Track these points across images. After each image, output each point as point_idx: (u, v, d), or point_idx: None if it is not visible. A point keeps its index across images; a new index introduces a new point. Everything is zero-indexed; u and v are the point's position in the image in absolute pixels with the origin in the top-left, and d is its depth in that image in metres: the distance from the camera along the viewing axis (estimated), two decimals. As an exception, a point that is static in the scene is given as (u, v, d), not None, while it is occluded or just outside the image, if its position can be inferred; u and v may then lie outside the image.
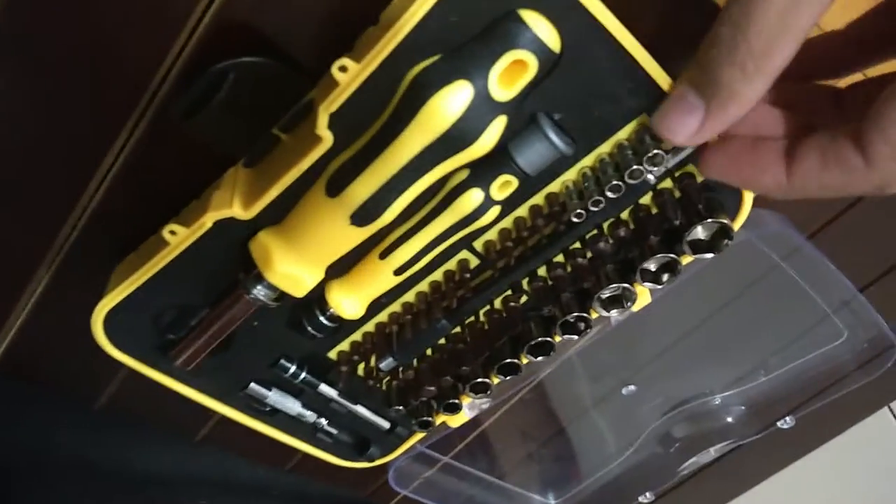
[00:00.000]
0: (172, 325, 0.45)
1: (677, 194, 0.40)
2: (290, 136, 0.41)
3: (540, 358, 0.45)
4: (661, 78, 0.36)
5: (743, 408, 0.60)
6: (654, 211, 0.41)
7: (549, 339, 0.44)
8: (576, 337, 0.44)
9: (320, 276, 0.41)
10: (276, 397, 0.48)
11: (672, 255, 0.40)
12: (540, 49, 0.34)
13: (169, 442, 0.61)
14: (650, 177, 0.38)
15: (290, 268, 0.39)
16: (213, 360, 0.46)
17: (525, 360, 0.46)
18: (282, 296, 0.41)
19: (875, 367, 0.54)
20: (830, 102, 0.37)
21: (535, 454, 0.66)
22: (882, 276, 0.54)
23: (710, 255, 0.41)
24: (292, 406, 0.49)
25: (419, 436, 0.52)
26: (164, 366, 0.46)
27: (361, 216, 0.38)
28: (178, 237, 0.40)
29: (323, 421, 0.50)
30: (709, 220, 0.39)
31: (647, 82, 0.36)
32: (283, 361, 0.47)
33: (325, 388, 0.48)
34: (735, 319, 0.56)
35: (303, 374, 0.47)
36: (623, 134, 0.38)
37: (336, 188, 0.37)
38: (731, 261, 0.46)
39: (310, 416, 0.49)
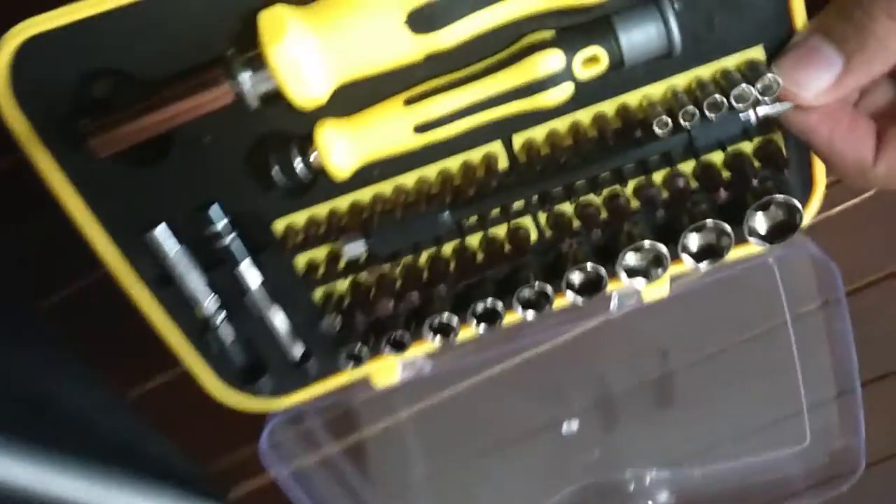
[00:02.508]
0: (97, 103, 0.33)
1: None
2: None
3: (529, 314, 0.37)
4: (799, 10, 0.32)
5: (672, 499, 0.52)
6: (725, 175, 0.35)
7: (546, 291, 0.36)
8: (577, 299, 0.36)
9: (329, 88, 0.32)
10: (180, 258, 0.36)
11: (725, 226, 0.34)
12: None
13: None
14: (752, 114, 0.33)
15: (303, 55, 0.30)
16: (128, 166, 0.34)
17: (507, 315, 0.37)
18: (269, 98, 0.31)
19: (828, 488, 0.48)
20: None
21: (432, 483, 0.54)
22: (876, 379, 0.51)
23: (764, 245, 0.35)
24: (194, 279, 0.37)
25: (327, 384, 0.41)
26: (60, 146, 0.33)
27: (423, 17, 0.30)
28: (174, -32, 0.30)
29: (221, 315, 0.38)
30: (782, 199, 0.34)
31: (783, 6, 0.32)
32: (215, 207, 0.36)
33: (247, 269, 0.37)
34: (704, 374, 0.50)
35: (230, 237, 0.36)
36: (730, 62, 0.33)
37: (409, -31, 0.29)
38: (735, 288, 0.40)
39: (210, 303, 0.38)
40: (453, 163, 0.35)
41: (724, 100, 0.31)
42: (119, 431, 0.51)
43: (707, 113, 0.32)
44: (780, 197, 0.33)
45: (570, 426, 0.51)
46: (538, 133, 0.35)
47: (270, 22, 0.30)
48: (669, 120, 0.32)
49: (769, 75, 0.31)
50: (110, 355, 0.38)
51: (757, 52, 0.33)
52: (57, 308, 0.47)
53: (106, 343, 0.38)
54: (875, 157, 0.32)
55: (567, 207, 0.36)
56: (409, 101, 0.33)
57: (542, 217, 0.37)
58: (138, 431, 0.51)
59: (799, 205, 0.34)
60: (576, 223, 0.36)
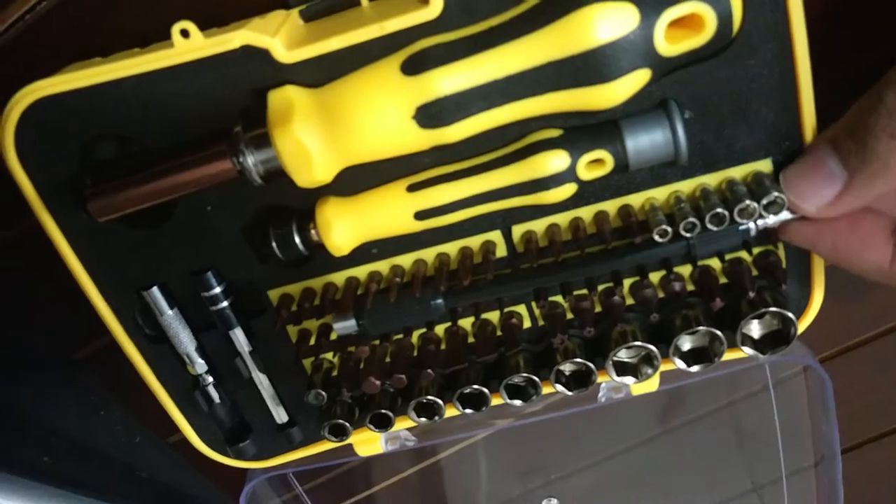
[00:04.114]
0: (101, 166, 0.33)
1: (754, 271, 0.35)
2: (377, 2, 0.33)
3: (515, 402, 0.37)
4: (809, 122, 0.32)
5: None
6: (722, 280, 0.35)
7: (535, 380, 0.36)
8: (566, 392, 0.36)
9: (333, 173, 0.32)
10: (172, 319, 0.36)
11: (718, 333, 0.34)
12: (723, 17, 0.29)
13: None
14: (753, 225, 0.33)
15: (309, 140, 0.30)
16: (128, 228, 0.34)
17: (494, 400, 0.37)
18: (272, 176, 0.31)
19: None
20: None
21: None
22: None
23: (756, 354, 0.35)
24: (185, 340, 0.37)
25: (312, 449, 0.41)
26: (61, 206, 0.34)
27: (430, 114, 0.30)
28: (189, 44, 0.30)
29: (210, 378, 0.38)
30: (778, 312, 0.33)
31: (792, 119, 0.32)
32: (209, 275, 0.36)
33: (239, 335, 0.37)
34: (683, 444, 0.50)
35: (224, 304, 0.36)
36: (736, 173, 0.33)
37: (417, 66, 0.29)
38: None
39: (200, 364, 0.37)
40: (451, 248, 0.35)
41: (727, 214, 0.31)
42: (162, 474, 0.51)
43: (709, 225, 0.32)
44: (775, 310, 0.33)
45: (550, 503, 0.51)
46: (538, 226, 0.35)
47: (279, 103, 0.31)
48: (669, 229, 0.32)
49: (775, 193, 0.31)
50: (149, 399, 0.39)
51: (764, 166, 0.33)
52: (95, 356, 0.48)
53: (143, 388, 0.39)
54: (893, 258, 0.31)
55: (562, 300, 0.36)
56: (411, 188, 0.33)
57: (536, 309, 0.37)
58: (179, 473, 0.51)
59: (794, 318, 0.33)
60: (569, 315, 0.36)
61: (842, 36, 0.38)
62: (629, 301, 0.36)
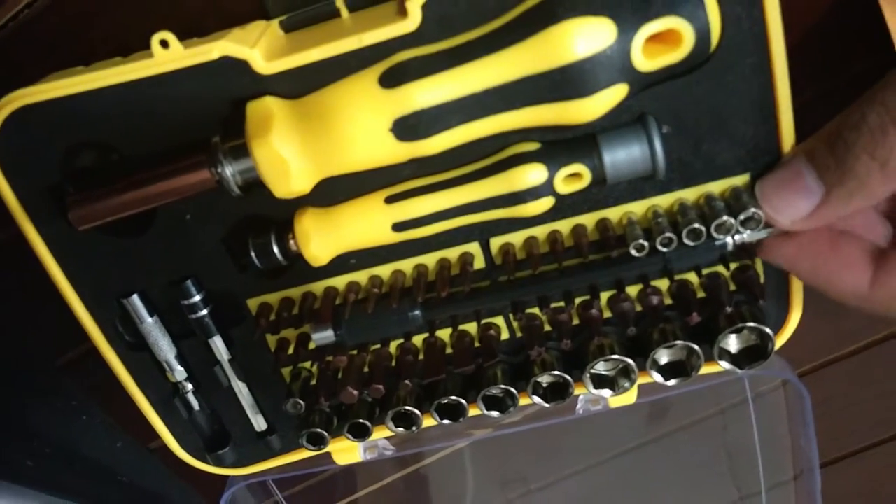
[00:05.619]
0: (81, 174, 0.33)
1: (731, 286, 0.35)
2: (357, 14, 0.33)
3: (493, 413, 0.37)
4: (788, 137, 0.32)
5: None
6: (700, 295, 0.35)
7: (512, 392, 0.36)
8: (543, 404, 0.36)
9: (311, 184, 0.32)
10: (152, 327, 0.36)
11: (695, 347, 0.34)
12: (701, 32, 0.29)
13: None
14: (730, 240, 0.33)
15: (287, 151, 0.30)
16: (108, 236, 0.34)
17: (472, 411, 0.37)
18: (251, 186, 0.32)
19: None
20: None
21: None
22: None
23: (733, 369, 0.35)
24: (165, 347, 0.37)
25: (291, 457, 0.41)
26: (42, 217, 0.34)
27: (408, 126, 0.30)
28: (168, 54, 0.30)
29: (189, 386, 0.38)
30: (755, 327, 0.33)
31: (770, 134, 0.32)
32: (188, 283, 0.36)
33: (218, 344, 0.37)
34: (665, 456, 0.50)
35: (203, 312, 0.36)
36: (714, 188, 0.33)
37: (395, 79, 0.30)
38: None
39: (179, 371, 0.37)
40: (430, 259, 0.35)
41: (704, 229, 0.31)
42: (143, 479, 0.51)
43: (685, 240, 0.32)
44: (753, 325, 0.33)
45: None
46: (516, 238, 0.35)
47: (258, 114, 0.31)
48: (646, 243, 0.32)
49: (752, 209, 0.31)
50: (129, 405, 0.39)
51: (743, 181, 0.33)
52: (77, 362, 0.48)
53: (124, 394, 0.39)
54: (871, 283, 0.30)
55: (539, 312, 0.36)
56: (389, 199, 0.33)
57: (514, 321, 0.37)
58: (160, 479, 0.51)
59: (771, 333, 0.33)
60: (547, 327, 0.36)
61: (821, 51, 0.38)
62: (607, 314, 0.36)
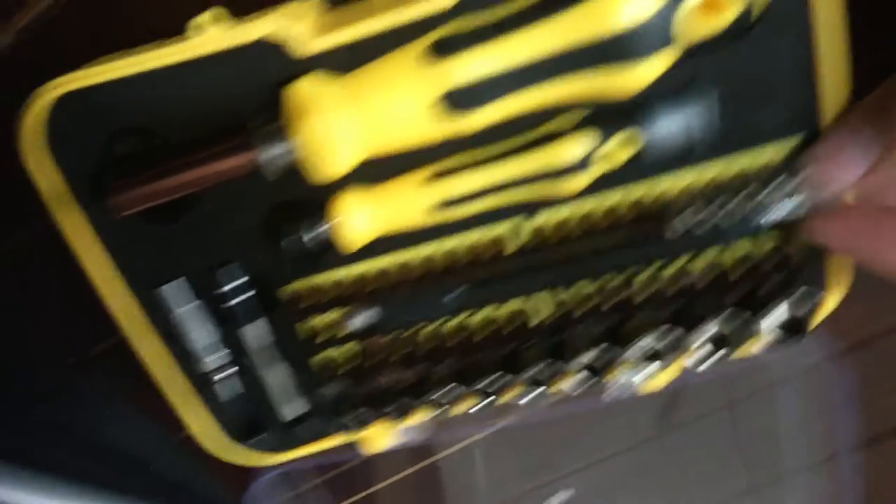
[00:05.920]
0: (121, 161, 0.33)
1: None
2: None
3: (531, 394, 0.37)
4: (835, 102, 0.31)
5: None
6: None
7: (549, 374, 0.36)
8: (583, 386, 0.36)
9: (353, 165, 0.32)
10: (193, 313, 0.36)
11: (735, 323, 0.34)
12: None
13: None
14: (771, 215, 0.32)
15: (332, 131, 0.30)
16: (146, 223, 0.34)
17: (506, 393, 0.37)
18: (290, 169, 0.31)
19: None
20: None
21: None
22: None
23: (771, 347, 0.35)
24: (200, 335, 0.36)
25: (320, 445, 0.41)
26: (86, 205, 0.34)
27: (457, 98, 0.30)
28: (205, 37, 0.30)
29: (223, 374, 0.38)
30: (792, 302, 0.33)
31: (816, 102, 0.31)
32: (229, 268, 0.35)
33: (253, 330, 0.37)
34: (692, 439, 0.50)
35: (241, 298, 0.36)
36: (758, 158, 0.33)
37: (443, 50, 0.29)
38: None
39: (213, 359, 0.37)
40: (467, 240, 0.35)
41: (746, 203, 0.31)
42: (172, 469, 0.51)
43: (728, 214, 0.32)
44: (789, 301, 0.33)
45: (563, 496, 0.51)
46: (555, 217, 0.34)
47: (300, 94, 0.30)
48: (687, 219, 0.32)
49: (794, 182, 0.31)
50: (157, 395, 0.39)
51: (786, 152, 0.32)
52: (109, 352, 0.47)
53: (153, 385, 0.39)
54: None
55: (578, 290, 0.36)
56: (430, 178, 0.33)
57: (549, 303, 0.37)
58: (189, 469, 0.51)
59: (808, 311, 0.33)
60: (585, 307, 0.36)
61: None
62: (644, 294, 0.36)
